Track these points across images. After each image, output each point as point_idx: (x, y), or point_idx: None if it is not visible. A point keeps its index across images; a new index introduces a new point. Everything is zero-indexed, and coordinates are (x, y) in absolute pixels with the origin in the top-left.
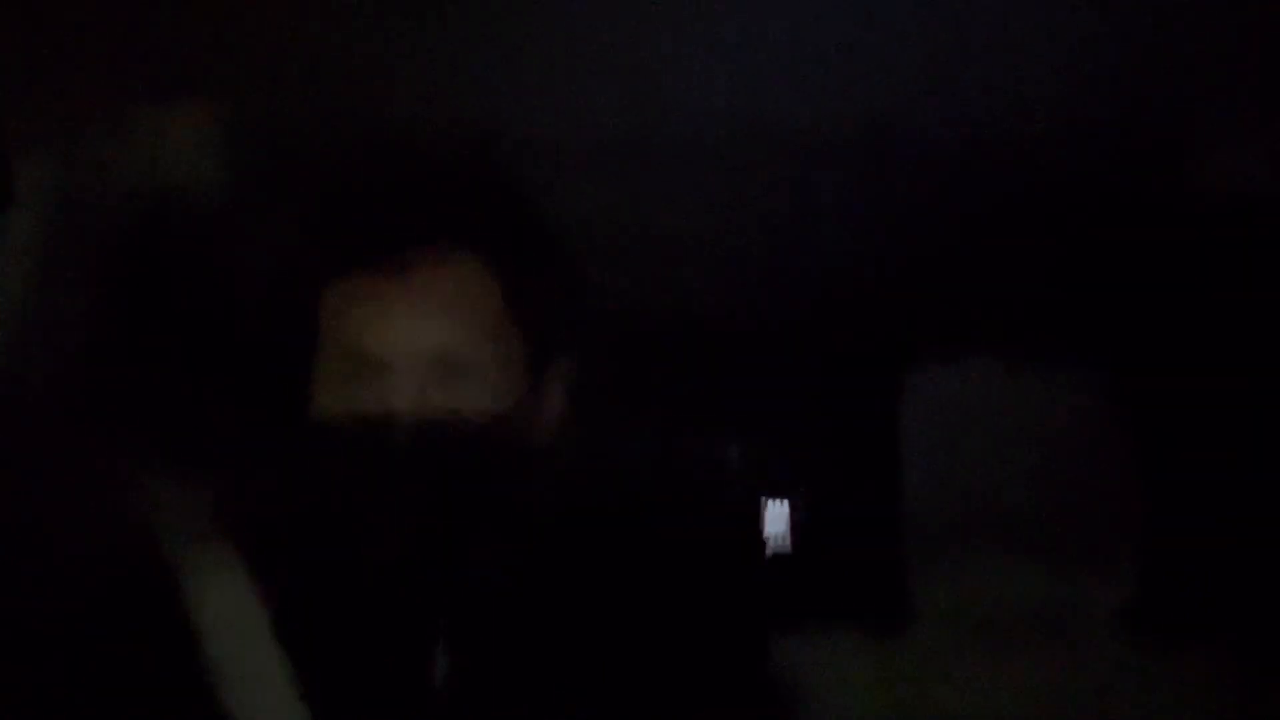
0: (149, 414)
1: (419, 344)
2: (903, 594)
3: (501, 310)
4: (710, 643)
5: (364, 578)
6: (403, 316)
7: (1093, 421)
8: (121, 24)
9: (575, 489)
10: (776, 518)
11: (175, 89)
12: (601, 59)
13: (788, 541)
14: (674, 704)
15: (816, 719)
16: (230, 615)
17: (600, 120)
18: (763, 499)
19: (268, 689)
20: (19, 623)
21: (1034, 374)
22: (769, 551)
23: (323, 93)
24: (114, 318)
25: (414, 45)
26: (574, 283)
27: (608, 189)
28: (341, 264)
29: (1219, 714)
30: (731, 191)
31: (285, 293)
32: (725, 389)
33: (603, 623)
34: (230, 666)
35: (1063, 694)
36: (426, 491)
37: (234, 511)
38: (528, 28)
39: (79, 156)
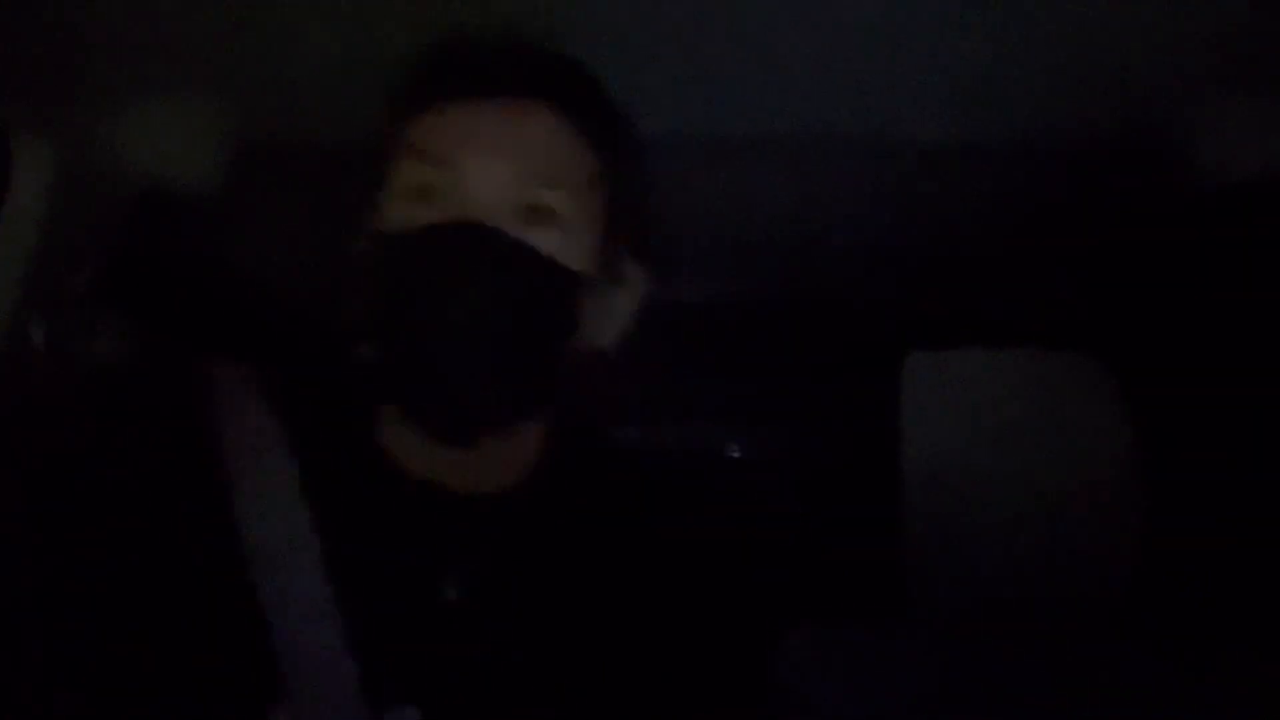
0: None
1: (506, 169)
2: (901, 589)
3: (593, 177)
4: (712, 637)
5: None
6: (496, 137)
7: (1093, 412)
8: (121, 9)
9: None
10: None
11: (176, 75)
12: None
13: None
14: (672, 700)
15: (814, 716)
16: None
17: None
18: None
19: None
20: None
21: (1034, 365)
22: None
23: (338, 92)
24: (113, 303)
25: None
26: (653, 203)
27: None
28: (435, 94)
29: (1219, 713)
30: (738, 188)
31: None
32: (729, 380)
33: (605, 619)
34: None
35: (1062, 685)
36: (480, 302)
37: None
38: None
39: (78, 143)
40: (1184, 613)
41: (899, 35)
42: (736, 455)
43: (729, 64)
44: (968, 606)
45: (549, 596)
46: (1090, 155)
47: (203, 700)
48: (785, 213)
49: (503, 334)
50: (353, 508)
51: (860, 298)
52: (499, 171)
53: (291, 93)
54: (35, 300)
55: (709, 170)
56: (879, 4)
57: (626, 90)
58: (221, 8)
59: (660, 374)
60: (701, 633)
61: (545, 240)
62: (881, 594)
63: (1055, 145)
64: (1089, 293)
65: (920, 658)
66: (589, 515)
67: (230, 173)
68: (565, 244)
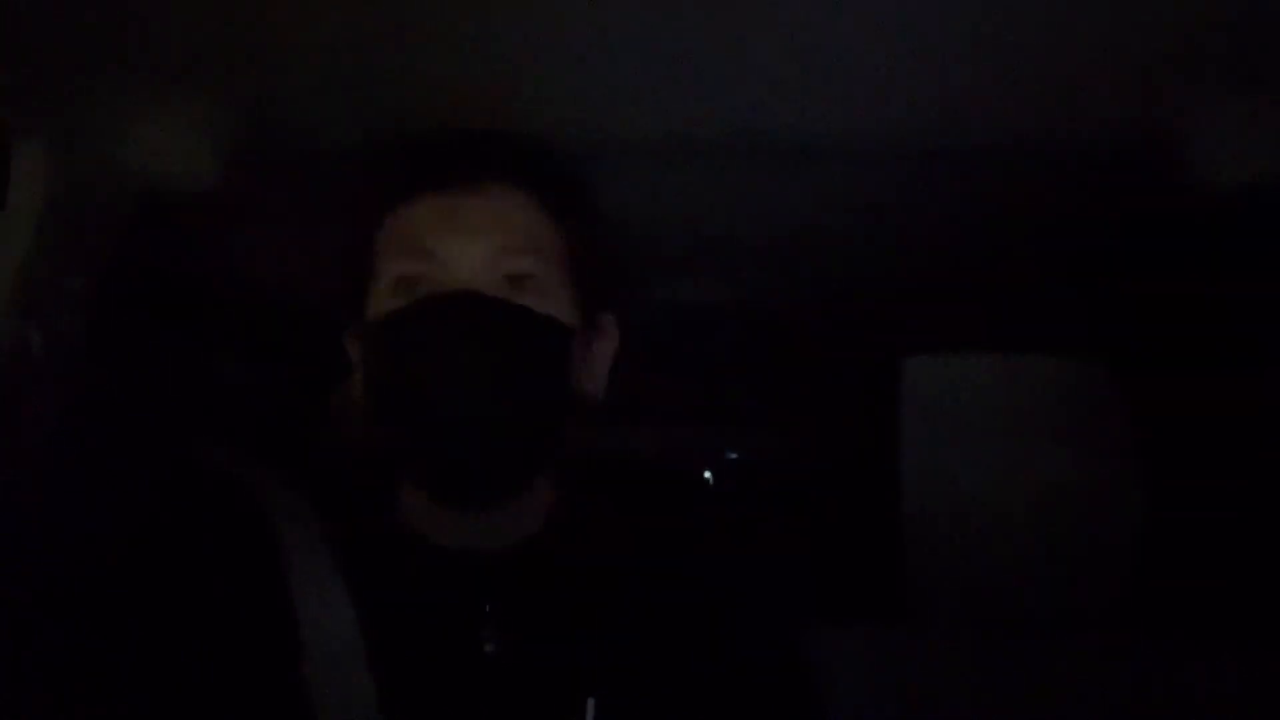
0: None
1: (484, 248)
2: (902, 590)
3: (560, 247)
4: (736, 635)
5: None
6: (470, 222)
7: (1092, 416)
8: (118, 11)
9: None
10: None
11: (174, 76)
12: (626, 65)
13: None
14: (698, 699)
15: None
16: (318, 585)
17: (603, 122)
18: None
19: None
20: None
21: (1033, 368)
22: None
23: (337, 93)
24: (112, 307)
25: (439, 43)
26: (615, 248)
27: (615, 187)
28: (407, 189)
29: (1219, 712)
30: (738, 191)
31: (345, 226)
32: (728, 381)
33: (625, 613)
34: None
35: (1062, 687)
36: (483, 366)
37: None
38: (554, 26)
39: (75, 145)
40: (1184, 612)
41: (897, 37)
42: (736, 456)
43: (729, 67)
44: (968, 606)
45: (580, 634)
46: (1090, 156)
47: None
48: (784, 215)
49: (505, 395)
50: (383, 578)
51: (859, 299)
52: (478, 250)
53: (291, 93)
54: (34, 305)
55: (709, 173)
56: (878, 6)
57: (626, 94)
58: (221, 8)
59: (660, 374)
60: (734, 643)
61: (530, 301)
62: (881, 594)
63: (1055, 146)
64: (1089, 295)
65: (920, 658)
66: (606, 550)
67: (229, 173)
68: (546, 303)
